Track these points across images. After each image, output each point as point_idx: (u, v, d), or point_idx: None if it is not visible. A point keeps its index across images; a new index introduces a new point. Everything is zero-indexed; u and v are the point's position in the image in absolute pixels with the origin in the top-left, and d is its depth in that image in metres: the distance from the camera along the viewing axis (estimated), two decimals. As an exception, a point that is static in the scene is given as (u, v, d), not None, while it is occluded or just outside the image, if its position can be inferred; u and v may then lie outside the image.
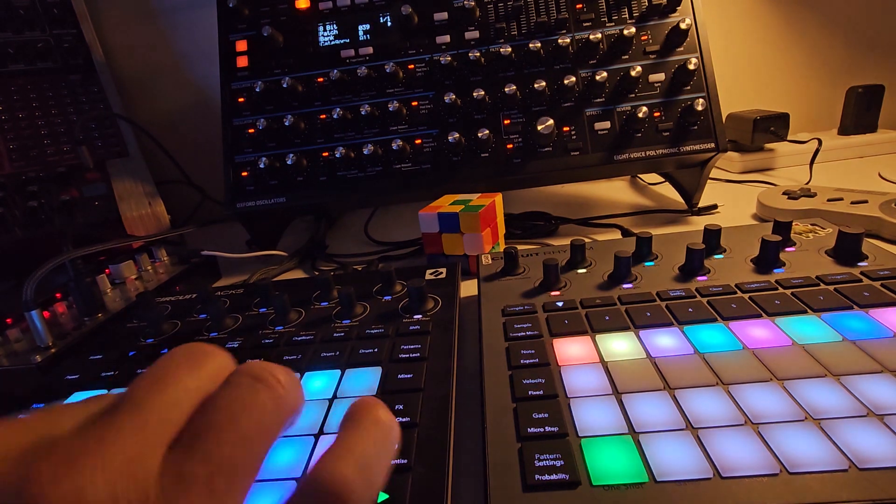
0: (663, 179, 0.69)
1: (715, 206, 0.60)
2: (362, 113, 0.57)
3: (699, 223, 0.57)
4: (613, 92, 0.55)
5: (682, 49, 0.55)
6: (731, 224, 0.44)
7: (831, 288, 0.33)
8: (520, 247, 0.44)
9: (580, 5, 0.57)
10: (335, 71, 0.58)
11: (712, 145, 0.53)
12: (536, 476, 0.22)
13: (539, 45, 0.55)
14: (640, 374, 0.27)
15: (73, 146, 0.65)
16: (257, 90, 0.58)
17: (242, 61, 0.61)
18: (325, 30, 0.60)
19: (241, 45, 0.61)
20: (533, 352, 0.30)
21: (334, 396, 0.29)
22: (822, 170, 0.71)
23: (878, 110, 0.77)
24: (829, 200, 0.52)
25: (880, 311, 0.30)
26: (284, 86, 0.57)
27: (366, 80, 0.58)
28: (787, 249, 0.39)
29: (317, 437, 0.26)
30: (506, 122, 0.56)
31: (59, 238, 0.60)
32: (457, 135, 0.55)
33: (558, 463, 0.22)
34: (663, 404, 0.25)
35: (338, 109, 0.57)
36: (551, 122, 0.54)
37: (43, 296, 0.45)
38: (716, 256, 0.39)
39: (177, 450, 0.12)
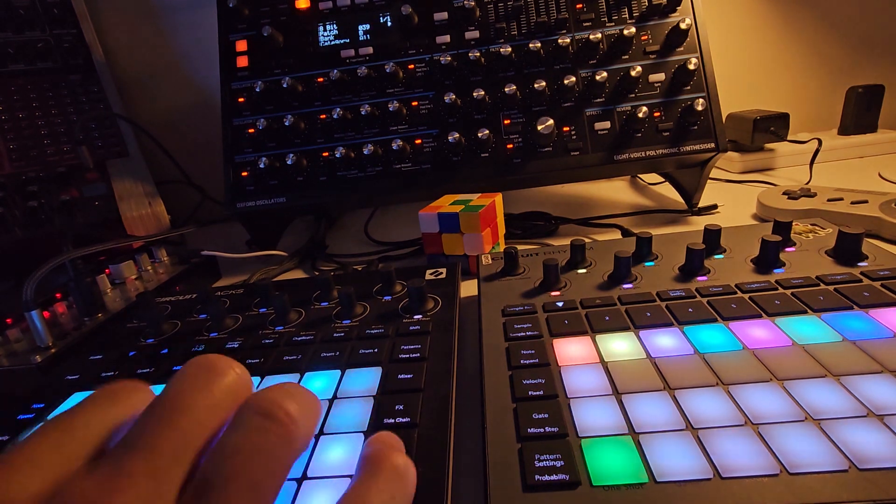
0: (663, 179, 0.69)
1: (715, 206, 0.60)
2: (362, 113, 0.57)
3: (699, 223, 0.57)
4: (613, 92, 0.55)
5: (682, 49, 0.55)
6: (731, 224, 0.44)
7: (831, 288, 0.33)
8: (520, 247, 0.44)
9: (580, 5, 0.57)
10: (335, 71, 0.58)
11: (712, 145, 0.53)
12: (536, 476, 0.22)
13: (539, 45, 0.55)
14: (641, 375, 0.27)
15: (73, 146, 0.65)
16: (257, 90, 0.58)
17: (242, 61, 0.61)
18: (325, 30, 0.60)
19: (241, 45, 0.61)
20: (533, 352, 0.30)
21: (334, 397, 0.29)
22: (822, 170, 0.71)
23: (878, 110, 0.77)
24: (829, 200, 0.52)
25: (880, 311, 0.30)
26: (284, 86, 0.57)
27: (366, 80, 0.58)
28: (787, 249, 0.39)
29: (317, 437, 0.26)
30: (506, 122, 0.56)
31: (59, 238, 0.60)
32: (457, 135, 0.55)
33: (558, 463, 0.22)
34: (663, 404, 0.25)
35: (338, 109, 0.57)
36: (551, 122, 0.54)
37: (43, 296, 0.45)
38: (716, 256, 0.39)
39: (187, 500, 0.12)
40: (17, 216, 0.60)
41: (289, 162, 0.57)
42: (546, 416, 0.25)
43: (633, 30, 0.54)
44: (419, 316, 0.36)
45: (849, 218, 0.49)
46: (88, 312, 0.44)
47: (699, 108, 0.52)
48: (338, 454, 0.24)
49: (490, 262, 0.44)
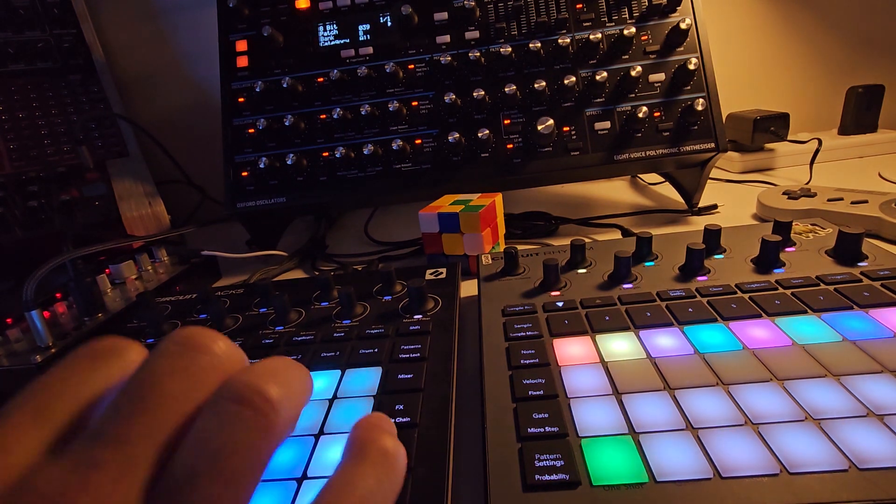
0: (663, 179, 0.69)
1: (715, 206, 0.60)
2: (362, 113, 0.57)
3: (699, 223, 0.57)
4: (613, 92, 0.55)
5: (682, 49, 0.55)
6: (731, 224, 0.44)
7: (831, 288, 0.33)
8: (520, 247, 0.44)
9: (580, 5, 0.57)
10: (335, 71, 0.58)
11: (712, 145, 0.53)
12: (536, 476, 0.22)
13: (539, 45, 0.55)
14: (641, 375, 0.27)
15: (73, 146, 0.65)
16: (257, 90, 0.58)
17: (242, 61, 0.61)
18: (325, 30, 0.60)
19: (241, 45, 0.61)
20: (533, 352, 0.30)
21: (334, 397, 0.29)
22: (822, 170, 0.71)
23: (878, 110, 0.77)
24: (829, 200, 0.52)
25: (880, 311, 0.30)
26: (284, 86, 0.57)
27: (366, 80, 0.58)
28: (787, 249, 0.39)
29: (317, 437, 0.26)
30: (506, 122, 0.56)
31: (59, 238, 0.60)
32: (457, 135, 0.55)
33: (558, 463, 0.22)
34: (663, 404, 0.25)
35: (338, 109, 0.57)
36: (551, 122, 0.54)
37: (43, 296, 0.45)
38: (716, 256, 0.39)
39: (160, 498, 0.12)
40: (17, 216, 0.60)
41: (289, 162, 0.57)
42: (546, 415, 0.25)
43: (633, 30, 0.54)
44: (419, 316, 0.36)
45: (849, 218, 0.49)
46: (88, 312, 0.44)
47: (699, 108, 0.52)
48: (338, 454, 0.24)
49: (490, 262, 0.44)
